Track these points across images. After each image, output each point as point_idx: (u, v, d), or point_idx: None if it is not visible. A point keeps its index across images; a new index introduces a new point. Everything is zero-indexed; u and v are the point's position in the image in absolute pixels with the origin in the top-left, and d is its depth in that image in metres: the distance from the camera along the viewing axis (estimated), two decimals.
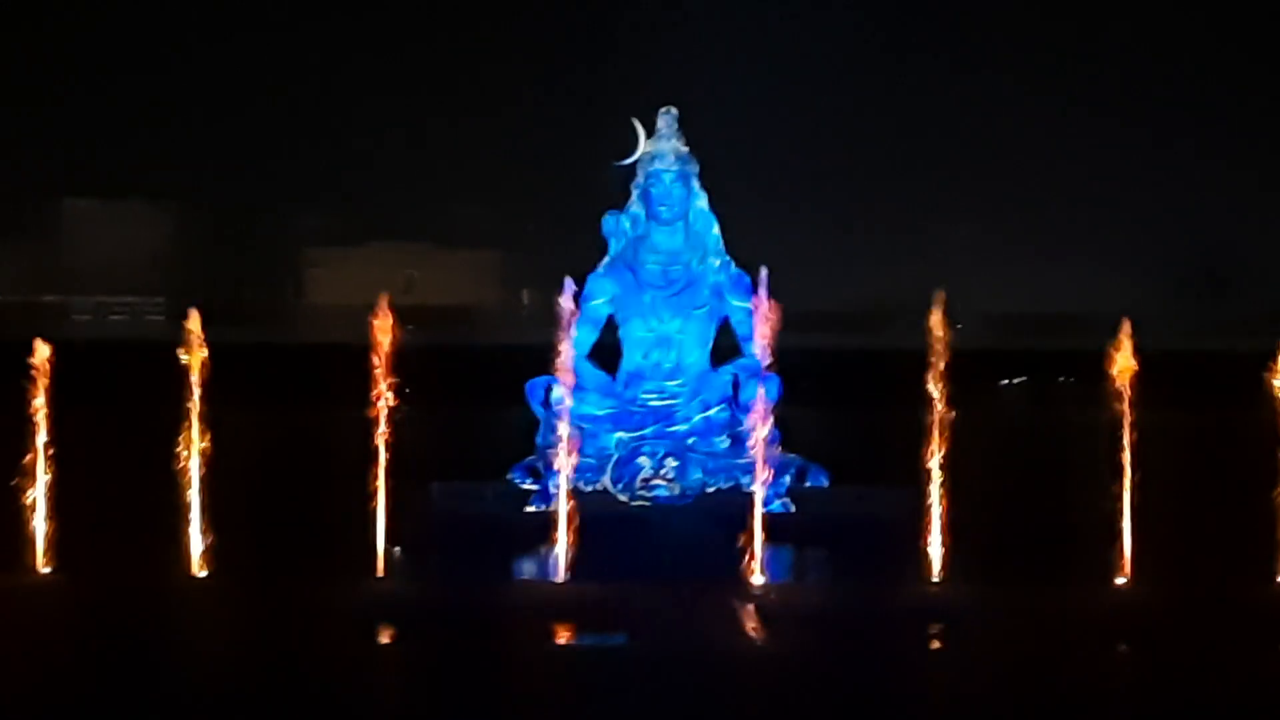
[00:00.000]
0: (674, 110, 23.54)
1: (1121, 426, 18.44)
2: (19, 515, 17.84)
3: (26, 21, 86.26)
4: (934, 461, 17.68)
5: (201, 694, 13.38)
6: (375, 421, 18.10)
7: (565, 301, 20.36)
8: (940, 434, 17.82)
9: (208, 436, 18.37)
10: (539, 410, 22.53)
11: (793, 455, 22.75)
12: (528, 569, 19.23)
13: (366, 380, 18.38)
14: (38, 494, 17.88)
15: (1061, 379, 53.27)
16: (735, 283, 23.23)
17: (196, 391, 18.35)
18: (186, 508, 17.77)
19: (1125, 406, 18.52)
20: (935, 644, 16.12)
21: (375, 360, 18.19)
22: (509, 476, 22.64)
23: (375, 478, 17.71)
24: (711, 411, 22.46)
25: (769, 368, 22.80)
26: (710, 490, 22.10)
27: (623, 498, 21.97)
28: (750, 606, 16.48)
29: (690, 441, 22.25)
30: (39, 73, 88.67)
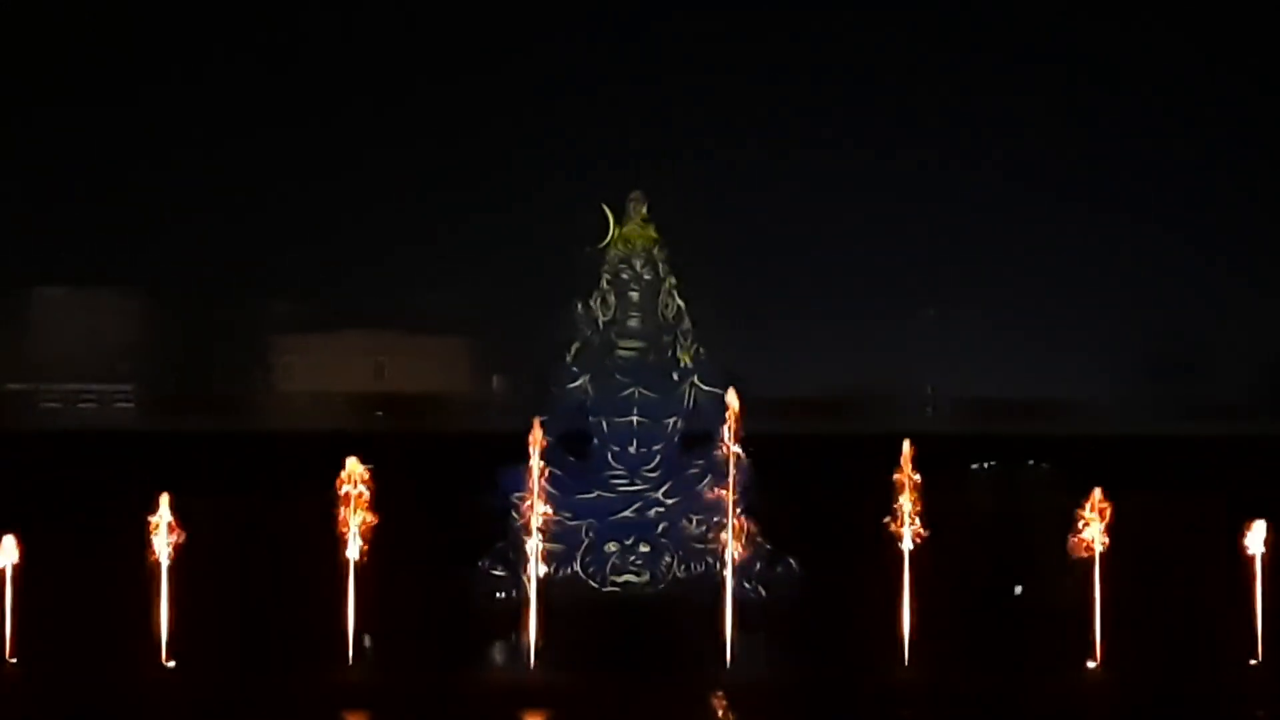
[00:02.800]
0: (643, 195, 23.65)
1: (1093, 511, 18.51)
2: None
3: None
4: (905, 546, 17.69)
5: None
6: (346, 509, 18.05)
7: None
8: (912, 519, 17.85)
9: (178, 525, 18.31)
10: (511, 497, 22.44)
11: (762, 541, 22.70)
12: (498, 656, 19.15)
13: (338, 467, 18.36)
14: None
15: (1031, 462, 53.34)
16: (704, 369, 23.27)
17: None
18: (156, 597, 17.67)
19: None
20: None
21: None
22: (480, 564, 22.55)
23: (346, 565, 17.65)
24: (682, 498, 22.42)
25: (739, 454, 22.82)
26: (681, 576, 22.02)
27: (593, 584, 21.90)
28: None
29: (661, 527, 22.20)
30: (10, 163, 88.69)
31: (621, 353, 23.28)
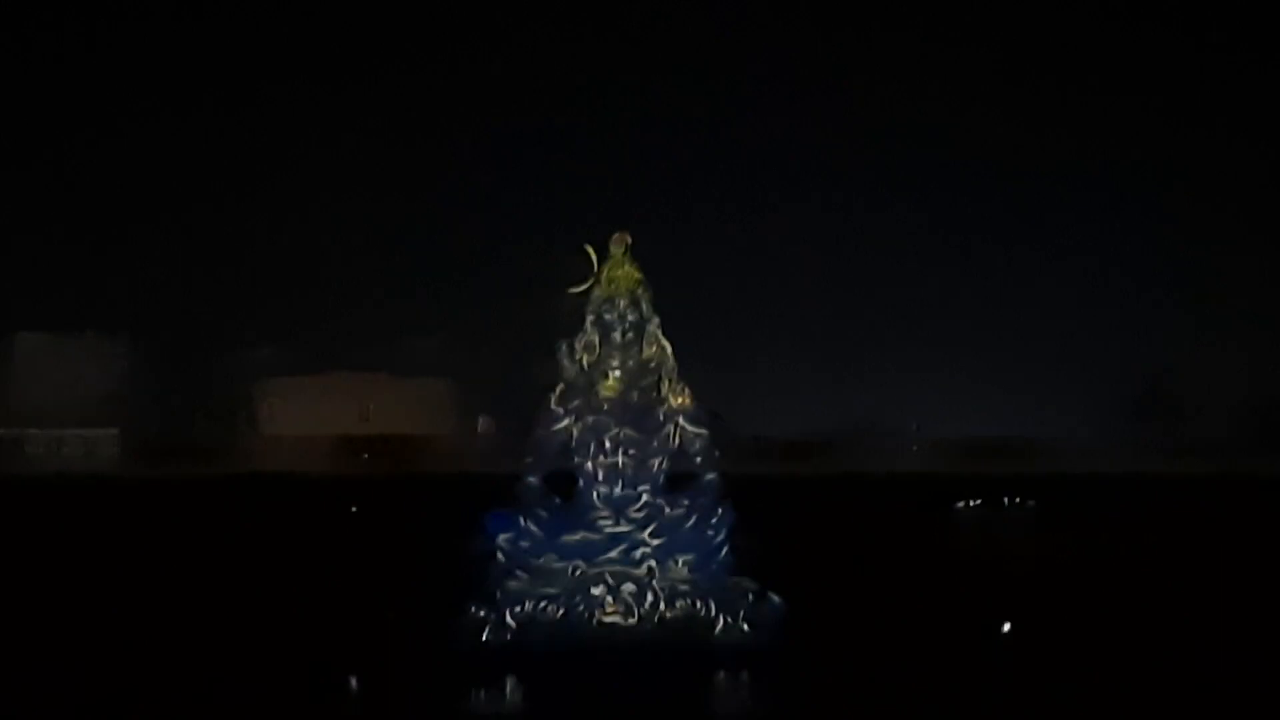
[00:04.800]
0: (627, 235, 23.69)
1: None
2: None
3: None
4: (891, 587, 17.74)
5: None
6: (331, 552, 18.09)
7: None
8: (896, 559, 17.91)
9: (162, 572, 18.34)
10: (496, 539, 22.47)
11: (748, 582, 22.72)
12: (484, 701, 19.14)
13: (323, 511, 18.41)
14: None
15: (1007, 502, 53.49)
16: (690, 409, 23.30)
17: None
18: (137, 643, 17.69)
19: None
20: None
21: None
22: (465, 607, 22.53)
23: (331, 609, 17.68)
24: (667, 538, 22.44)
25: (724, 495, 22.86)
26: (667, 616, 22.02)
27: (579, 626, 21.88)
28: None
29: (646, 568, 22.20)
30: None
31: (605, 394, 23.31)
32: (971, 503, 52.63)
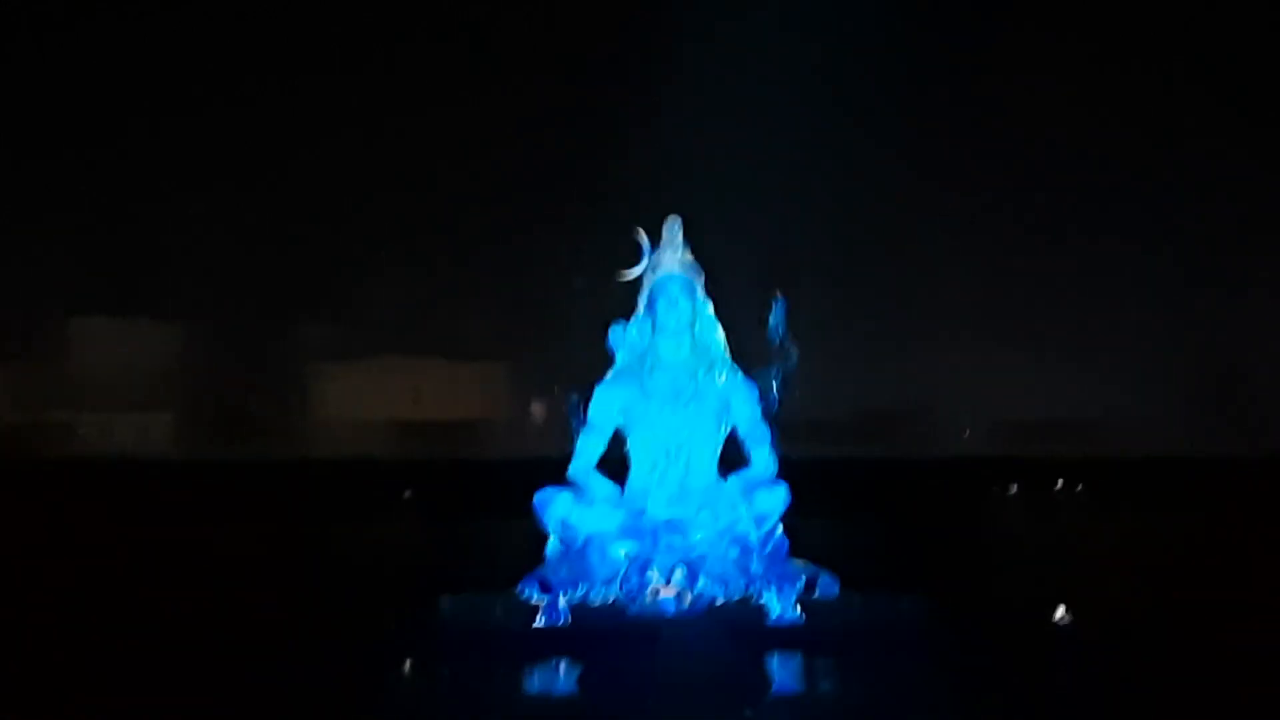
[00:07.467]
0: (679, 219, 23.57)
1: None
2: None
3: (29, 140, 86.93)
4: (943, 570, 17.60)
5: None
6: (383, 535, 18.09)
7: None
8: (949, 541, 17.77)
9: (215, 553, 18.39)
10: (548, 523, 22.41)
11: (802, 564, 22.62)
12: (537, 684, 19.13)
13: (375, 494, 18.41)
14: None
15: (1058, 485, 53.18)
16: (742, 391, 23.19)
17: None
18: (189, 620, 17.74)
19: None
20: None
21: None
22: (517, 590, 22.51)
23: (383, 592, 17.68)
24: (720, 523, 22.34)
25: (777, 476, 22.74)
26: (720, 602, 21.95)
27: (631, 609, 21.83)
28: None
29: (699, 553, 22.11)
30: (44, 190, 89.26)
31: (658, 377, 23.19)
32: (1022, 486, 52.39)
